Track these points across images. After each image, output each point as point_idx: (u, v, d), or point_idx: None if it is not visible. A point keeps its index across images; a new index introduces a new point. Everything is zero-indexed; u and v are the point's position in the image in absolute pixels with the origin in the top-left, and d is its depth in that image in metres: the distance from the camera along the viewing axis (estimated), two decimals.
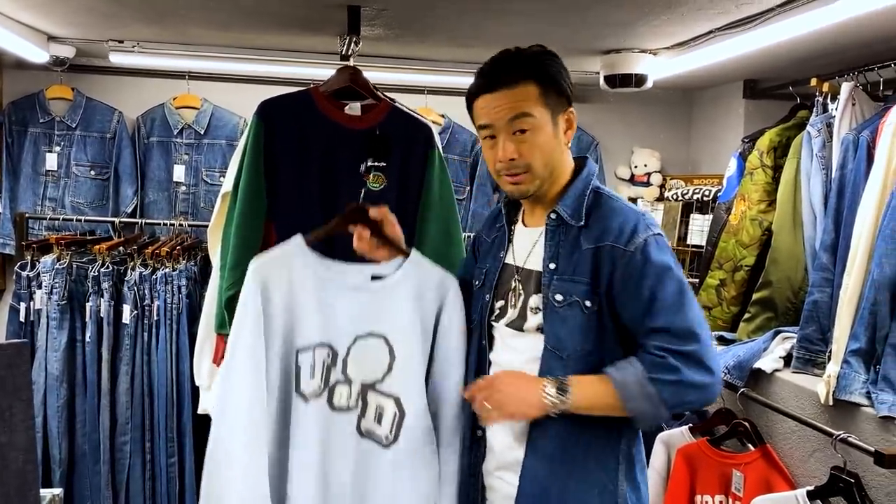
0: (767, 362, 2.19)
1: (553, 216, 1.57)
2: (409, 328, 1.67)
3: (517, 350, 1.59)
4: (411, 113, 2.14)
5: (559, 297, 1.52)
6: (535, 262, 1.59)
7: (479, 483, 1.65)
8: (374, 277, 1.69)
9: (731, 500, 2.15)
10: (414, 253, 1.72)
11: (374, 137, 2.05)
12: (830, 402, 1.91)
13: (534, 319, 1.56)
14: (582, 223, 1.54)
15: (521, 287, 1.60)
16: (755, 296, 2.45)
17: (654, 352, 1.45)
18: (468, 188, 3.52)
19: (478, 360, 1.67)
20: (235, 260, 2.04)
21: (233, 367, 1.61)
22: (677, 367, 1.43)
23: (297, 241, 1.67)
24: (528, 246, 1.62)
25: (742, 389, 2.17)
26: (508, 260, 1.66)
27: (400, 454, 1.65)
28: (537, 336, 1.55)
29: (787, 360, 2.20)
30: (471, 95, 1.59)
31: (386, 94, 2.21)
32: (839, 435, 1.79)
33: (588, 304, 1.50)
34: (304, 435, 1.63)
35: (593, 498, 1.53)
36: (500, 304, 1.64)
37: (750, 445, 2.16)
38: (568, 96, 1.56)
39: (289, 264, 1.64)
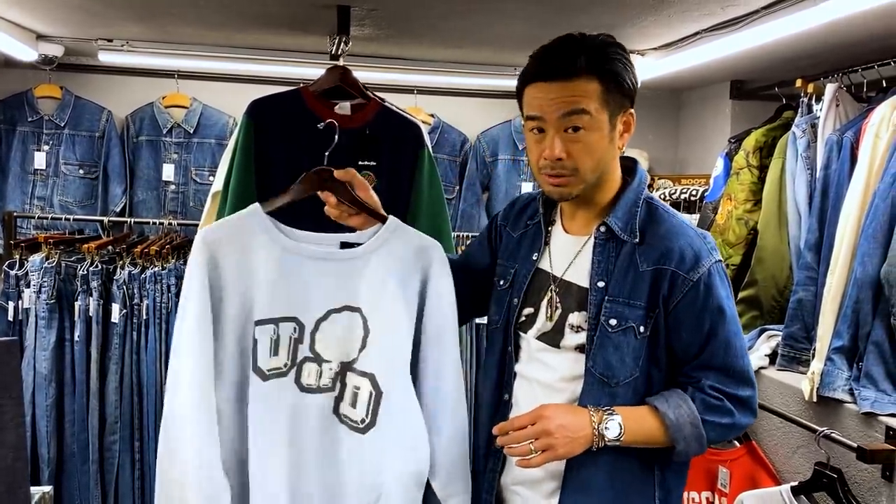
0: (753, 360, 2.21)
1: (603, 229, 1.45)
2: (388, 300, 1.54)
3: (550, 367, 1.48)
4: (401, 112, 2.15)
5: (613, 322, 1.40)
6: (578, 276, 1.47)
7: (493, 499, 1.56)
8: (343, 245, 1.59)
9: (717, 497, 2.18)
10: (391, 219, 1.61)
11: (364, 137, 2.05)
12: (814, 399, 1.94)
13: (573, 338, 1.45)
14: (637, 240, 1.43)
15: (558, 300, 1.48)
16: (741, 294, 2.48)
17: (710, 392, 1.40)
18: (457, 188, 3.53)
19: (501, 369, 1.57)
20: None
21: (179, 348, 1.48)
22: (732, 412, 1.41)
23: (254, 208, 1.55)
24: (568, 255, 1.50)
25: None
26: (543, 265, 1.53)
27: (380, 439, 1.51)
28: (575, 356, 1.45)
29: (773, 357, 2.23)
30: (523, 81, 1.43)
31: (376, 93, 2.22)
32: (823, 431, 1.82)
33: (642, 329, 1.40)
34: (263, 417, 1.48)
35: None
36: (528, 311, 1.53)
37: (735, 442, 2.18)
38: (631, 96, 1.42)
39: (243, 232, 1.52)
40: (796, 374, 2.13)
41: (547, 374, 1.48)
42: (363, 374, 1.52)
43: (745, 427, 1.47)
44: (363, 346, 1.53)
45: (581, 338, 1.44)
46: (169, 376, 1.51)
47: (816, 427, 1.86)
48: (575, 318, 1.45)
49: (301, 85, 2.13)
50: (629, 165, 1.52)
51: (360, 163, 2.04)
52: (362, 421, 1.52)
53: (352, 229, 1.63)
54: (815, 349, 2.01)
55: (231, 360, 1.51)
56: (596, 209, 1.47)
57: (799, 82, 2.45)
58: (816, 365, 1.95)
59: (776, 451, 2.11)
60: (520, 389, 1.53)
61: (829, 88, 2.30)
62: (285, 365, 1.51)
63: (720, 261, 1.43)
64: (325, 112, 2.04)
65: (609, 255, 1.44)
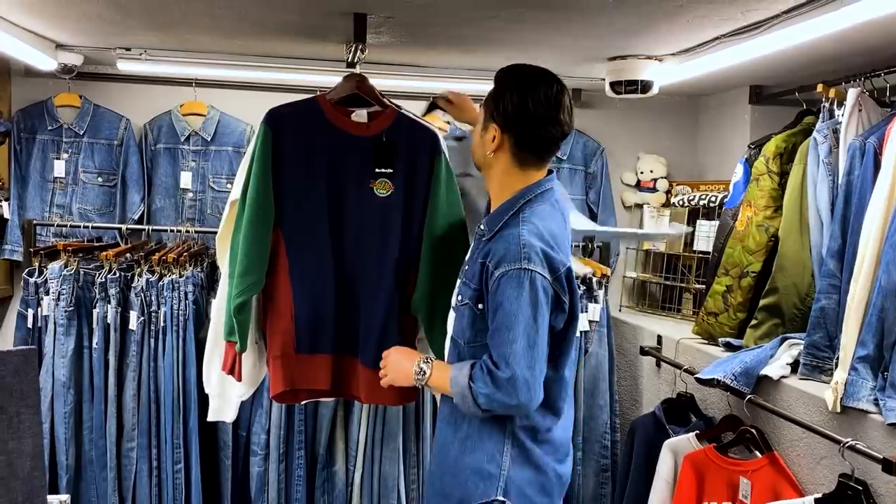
0: (774, 369, 2.19)
1: (481, 227, 1.84)
2: None
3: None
4: (417, 119, 2.16)
5: (459, 297, 1.84)
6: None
7: None
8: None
9: None
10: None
11: (380, 144, 2.08)
12: (838, 409, 1.91)
13: (453, 296, 1.90)
14: (488, 238, 1.78)
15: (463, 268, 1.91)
16: (762, 302, 2.45)
17: (482, 363, 1.71)
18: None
19: None
20: (244, 267, 2.05)
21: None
22: (488, 384, 1.68)
23: None
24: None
25: (749, 396, 2.17)
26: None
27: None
28: (451, 312, 1.91)
29: (794, 366, 2.20)
30: None
31: (392, 100, 2.22)
32: (847, 442, 1.79)
33: (480, 306, 1.76)
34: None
35: (482, 464, 1.77)
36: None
37: (757, 452, 2.15)
38: (496, 114, 1.77)
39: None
40: (819, 383, 2.09)
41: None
42: None
43: (507, 405, 1.68)
44: None
45: (454, 298, 1.88)
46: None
47: (840, 438, 1.83)
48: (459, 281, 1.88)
49: (318, 93, 2.13)
50: (534, 181, 1.82)
51: (376, 170, 2.09)
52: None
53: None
54: (838, 358, 1.98)
55: None
56: (494, 206, 1.84)
57: (820, 87, 2.42)
58: (840, 374, 1.92)
59: (799, 462, 2.07)
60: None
61: (852, 93, 2.27)
62: None
63: (528, 269, 1.67)
64: (341, 120, 2.08)
65: (476, 248, 1.83)
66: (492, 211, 1.83)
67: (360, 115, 2.11)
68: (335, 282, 2.13)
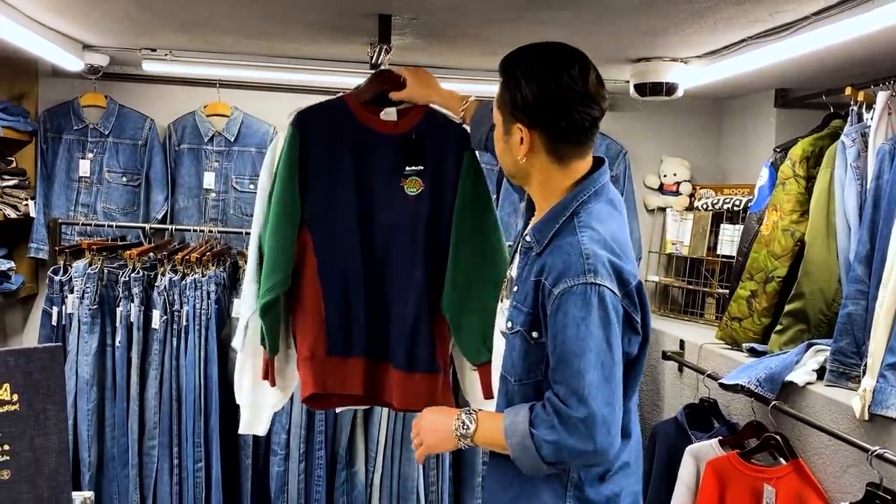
0: (800, 375, 2.15)
1: (527, 238, 1.57)
2: None
3: (498, 346, 1.73)
4: (446, 114, 2.15)
5: (509, 325, 1.56)
6: (513, 269, 1.65)
7: None
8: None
9: None
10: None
11: (410, 142, 2.08)
12: (866, 417, 1.88)
13: (500, 321, 1.66)
14: (538, 252, 1.52)
15: (507, 285, 1.67)
16: (787, 307, 2.42)
17: (546, 404, 1.44)
18: (495, 196, 3.51)
19: None
20: (270, 266, 2.05)
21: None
22: (557, 428, 1.41)
23: None
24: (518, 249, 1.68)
25: (774, 402, 2.14)
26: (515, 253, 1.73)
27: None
28: (500, 338, 1.65)
29: (820, 373, 2.17)
30: None
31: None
32: (875, 450, 1.76)
33: (535, 334, 1.49)
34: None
35: None
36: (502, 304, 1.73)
37: (782, 459, 2.12)
38: (516, 112, 1.50)
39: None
40: (845, 390, 2.06)
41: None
42: None
43: (580, 452, 1.41)
44: None
45: (503, 325, 1.61)
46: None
47: (868, 446, 1.79)
48: (505, 304, 1.65)
49: (343, 93, 2.13)
50: (585, 174, 1.57)
51: (406, 168, 2.08)
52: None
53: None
54: (866, 365, 1.94)
55: None
56: (539, 214, 1.59)
57: (848, 90, 2.38)
58: (868, 382, 1.89)
59: (825, 470, 2.04)
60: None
61: (881, 96, 2.24)
62: None
63: (595, 284, 1.41)
64: (370, 119, 2.08)
65: (525, 264, 1.56)
66: (539, 219, 1.57)
67: (388, 114, 2.09)
68: (365, 281, 2.12)
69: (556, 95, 1.46)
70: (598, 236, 1.47)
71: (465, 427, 1.52)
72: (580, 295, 1.40)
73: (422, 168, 2.07)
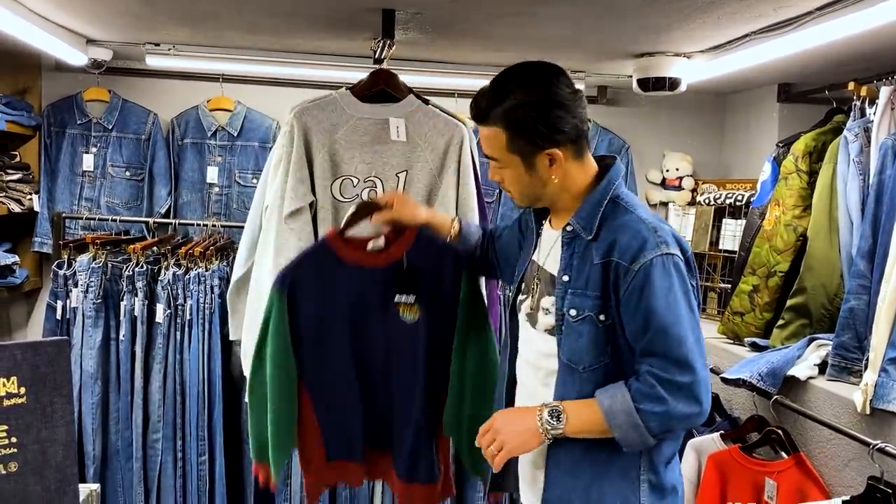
0: (802, 369, 2.16)
1: (568, 228, 1.58)
2: None
3: (531, 345, 1.66)
4: (439, 239, 1.99)
5: (573, 312, 1.54)
6: (551, 265, 1.63)
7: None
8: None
9: None
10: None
11: (401, 272, 1.95)
12: (867, 411, 1.89)
13: (544, 319, 1.62)
14: (591, 236, 1.54)
15: (539, 286, 1.65)
16: (789, 302, 2.42)
17: (646, 378, 1.46)
18: (497, 191, 3.52)
19: (511, 352, 1.76)
20: (277, 440, 1.99)
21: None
22: (665, 398, 1.44)
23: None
24: (547, 247, 1.66)
25: (775, 397, 2.15)
26: (535, 257, 1.70)
27: None
28: (546, 336, 1.61)
29: (822, 367, 2.17)
30: None
31: (419, 95, 2.21)
32: (877, 444, 1.76)
33: (602, 318, 1.51)
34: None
35: None
36: (522, 297, 1.72)
37: (783, 453, 2.13)
38: (541, 142, 1.52)
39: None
40: (847, 384, 2.07)
41: (530, 352, 1.67)
42: None
43: (688, 416, 1.46)
44: None
45: (550, 320, 1.59)
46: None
47: (870, 440, 1.80)
48: (546, 301, 1.61)
49: (327, 234, 2.02)
50: (608, 163, 1.62)
51: (396, 299, 1.96)
52: None
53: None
54: (868, 359, 1.95)
55: None
56: (568, 210, 1.60)
57: (852, 85, 2.39)
58: (870, 376, 1.90)
59: (826, 464, 2.05)
60: (519, 367, 1.72)
61: (884, 91, 2.24)
62: None
63: (670, 254, 1.47)
64: (357, 257, 1.96)
65: (573, 252, 1.57)
66: (576, 210, 1.58)
67: (376, 245, 1.97)
68: (364, 420, 2.03)
69: (564, 106, 1.52)
70: (650, 213, 1.56)
71: (555, 421, 1.50)
72: (660, 266, 1.45)
73: (414, 297, 1.95)
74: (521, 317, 1.71)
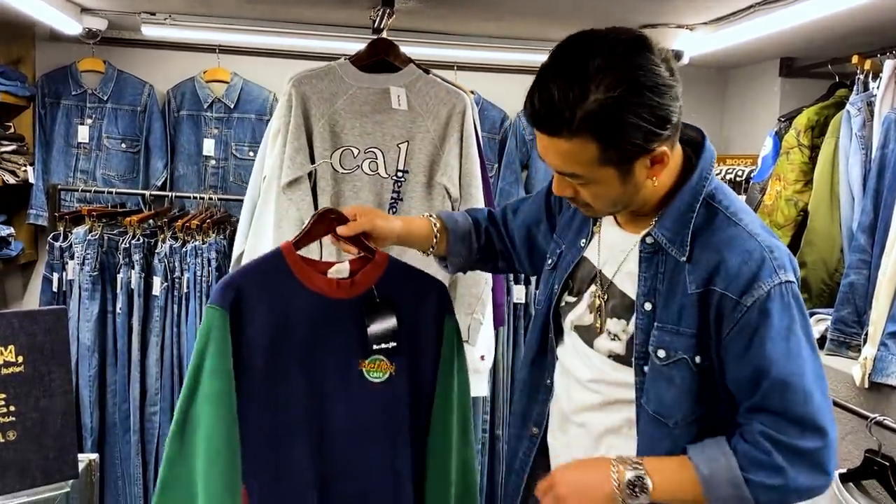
0: None
1: (648, 241, 1.25)
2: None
3: (585, 363, 1.35)
4: (413, 268, 1.57)
5: (662, 354, 1.22)
6: (624, 283, 1.30)
7: None
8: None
9: None
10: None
11: (373, 307, 1.49)
12: (866, 385, 1.89)
13: (609, 344, 1.31)
14: (685, 257, 1.21)
15: (603, 299, 1.33)
16: None
17: (758, 440, 1.16)
18: (496, 166, 3.50)
19: (541, 351, 1.46)
20: None
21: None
22: (783, 469, 1.14)
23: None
24: (616, 254, 1.32)
25: None
26: (589, 255, 1.38)
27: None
28: (608, 362, 1.31)
29: (821, 342, 2.18)
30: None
31: (419, 64, 2.18)
32: (874, 418, 1.77)
33: (698, 360, 1.21)
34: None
35: None
36: (569, 298, 1.40)
37: None
38: (646, 144, 1.14)
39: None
40: (846, 358, 2.08)
41: (582, 371, 1.36)
42: None
43: (810, 489, 1.17)
44: None
45: (617, 347, 1.30)
46: None
47: (868, 413, 1.80)
48: (614, 325, 1.30)
49: (281, 245, 1.51)
50: (697, 141, 1.28)
51: (373, 347, 1.48)
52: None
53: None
54: (867, 334, 1.96)
55: None
56: (641, 210, 1.28)
57: (855, 59, 2.37)
58: (869, 350, 1.90)
59: None
60: (558, 377, 1.43)
61: (888, 65, 2.22)
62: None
63: (790, 282, 1.17)
64: (316, 281, 1.48)
65: (657, 272, 1.25)
66: (663, 215, 1.24)
67: (339, 271, 1.50)
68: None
69: (668, 86, 1.14)
70: (758, 220, 1.23)
71: (639, 484, 1.17)
72: (778, 300, 1.15)
73: (393, 345, 1.47)
74: (567, 325, 1.39)
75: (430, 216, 1.58)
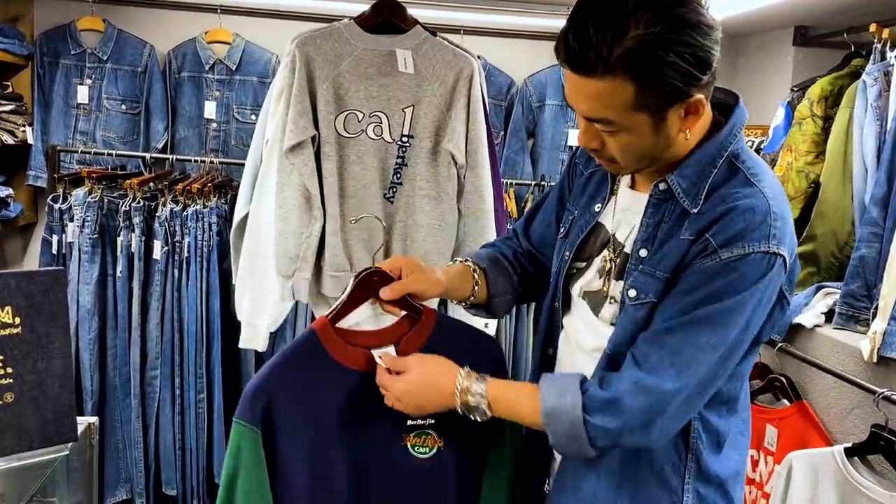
0: (808, 317, 2.14)
1: (662, 186, 1.20)
2: None
3: (591, 332, 1.31)
4: (463, 323, 1.47)
5: (632, 293, 1.19)
6: (629, 242, 1.27)
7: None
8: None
9: (763, 456, 2.13)
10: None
11: None
12: (874, 360, 1.87)
13: (608, 309, 1.27)
14: (696, 209, 1.16)
15: (608, 264, 1.29)
16: (798, 250, 2.38)
17: (615, 381, 1.15)
18: (502, 133, 3.45)
19: (548, 322, 1.43)
20: None
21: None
22: (624, 410, 1.12)
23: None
24: (630, 217, 1.28)
25: (780, 344, 2.13)
26: (604, 220, 1.33)
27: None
28: (610, 329, 1.26)
29: (829, 316, 2.15)
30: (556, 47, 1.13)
31: (426, 26, 2.13)
32: (882, 392, 1.75)
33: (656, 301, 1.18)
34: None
35: None
36: (579, 264, 1.35)
37: (785, 401, 2.12)
38: (685, 88, 1.08)
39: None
40: (854, 333, 2.05)
41: (588, 341, 1.32)
42: None
43: (639, 440, 1.16)
44: None
45: (614, 309, 1.26)
46: None
47: (875, 388, 1.79)
48: (614, 287, 1.27)
49: (315, 324, 1.36)
50: (729, 104, 1.24)
51: (409, 423, 1.37)
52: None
53: None
54: (876, 308, 1.93)
55: None
56: (668, 167, 1.22)
57: (873, 27, 2.31)
58: (879, 324, 1.87)
59: (828, 412, 2.04)
60: (563, 346, 1.40)
61: None
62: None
63: (775, 254, 1.11)
64: (353, 357, 1.35)
65: (661, 221, 1.20)
66: (682, 163, 1.19)
67: (385, 355, 1.35)
68: None
69: (710, 27, 1.07)
70: (779, 190, 1.17)
71: (475, 397, 1.21)
72: (755, 264, 1.10)
73: (433, 420, 1.36)
74: (577, 291, 1.35)
75: (462, 260, 1.48)
